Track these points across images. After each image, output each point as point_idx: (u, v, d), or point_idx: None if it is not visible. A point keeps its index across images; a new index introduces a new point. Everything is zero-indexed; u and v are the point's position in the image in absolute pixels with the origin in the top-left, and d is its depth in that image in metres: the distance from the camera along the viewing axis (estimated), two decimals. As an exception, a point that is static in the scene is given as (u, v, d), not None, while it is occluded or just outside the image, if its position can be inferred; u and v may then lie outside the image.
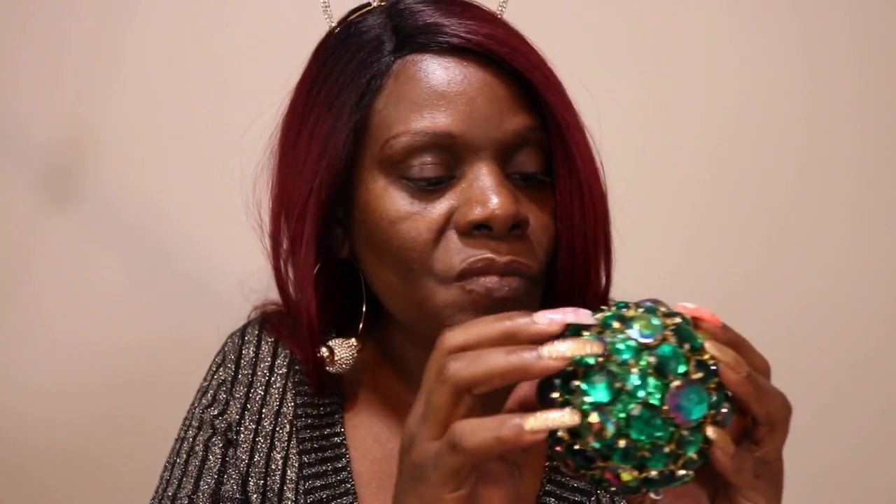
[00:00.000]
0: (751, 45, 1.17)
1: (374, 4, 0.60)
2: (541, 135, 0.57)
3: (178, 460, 0.66)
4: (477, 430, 0.39)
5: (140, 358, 1.08)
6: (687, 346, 0.40)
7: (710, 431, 0.40)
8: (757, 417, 0.42)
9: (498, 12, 0.61)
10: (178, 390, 1.04)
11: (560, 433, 0.40)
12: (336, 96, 0.58)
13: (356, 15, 0.61)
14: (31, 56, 1.04)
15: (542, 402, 0.41)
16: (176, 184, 1.08)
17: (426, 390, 0.42)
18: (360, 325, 0.64)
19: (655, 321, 0.40)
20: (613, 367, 0.39)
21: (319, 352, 0.62)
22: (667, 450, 0.39)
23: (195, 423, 0.67)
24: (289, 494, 0.63)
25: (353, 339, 0.63)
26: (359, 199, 0.58)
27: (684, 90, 1.16)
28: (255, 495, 0.64)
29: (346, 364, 0.63)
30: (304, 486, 0.63)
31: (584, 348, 0.39)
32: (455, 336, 0.42)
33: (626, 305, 0.42)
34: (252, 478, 0.64)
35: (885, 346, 1.23)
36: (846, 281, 1.21)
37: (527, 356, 0.39)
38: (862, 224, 1.21)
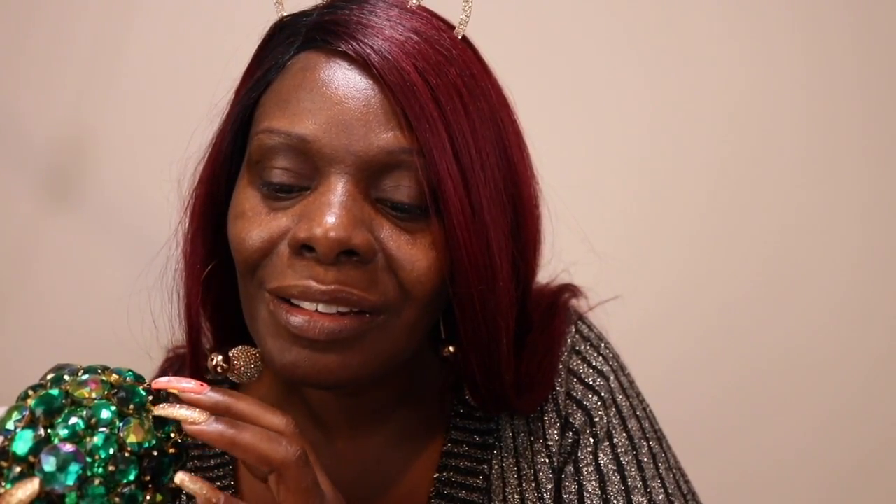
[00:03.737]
0: (755, 44, 1.16)
1: (321, 2, 0.56)
2: (422, 161, 0.50)
3: None
4: None
5: (140, 357, 1.08)
6: (45, 417, 0.43)
7: (159, 410, 0.44)
8: (251, 466, 0.45)
9: (457, 30, 0.55)
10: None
11: None
12: (241, 89, 0.57)
13: (302, 10, 0.57)
14: (31, 56, 1.05)
15: None
16: (176, 183, 1.08)
17: None
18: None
19: (13, 413, 0.44)
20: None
21: (212, 358, 0.56)
22: None
23: None
24: None
25: (259, 350, 0.55)
26: (233, 193, 0.55)
27: (688, 90, 1.15)
28: None
29: (250, 374, 0.56)
30: None
31: (24, 493, 0.41)
32: None
33: (27, 395, 0.45)
34: None
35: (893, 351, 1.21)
36: (854, 280, 1.20)
37: None
38: (869, 223, 1.20)
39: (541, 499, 0.60)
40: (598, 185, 1.04)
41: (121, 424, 0.43)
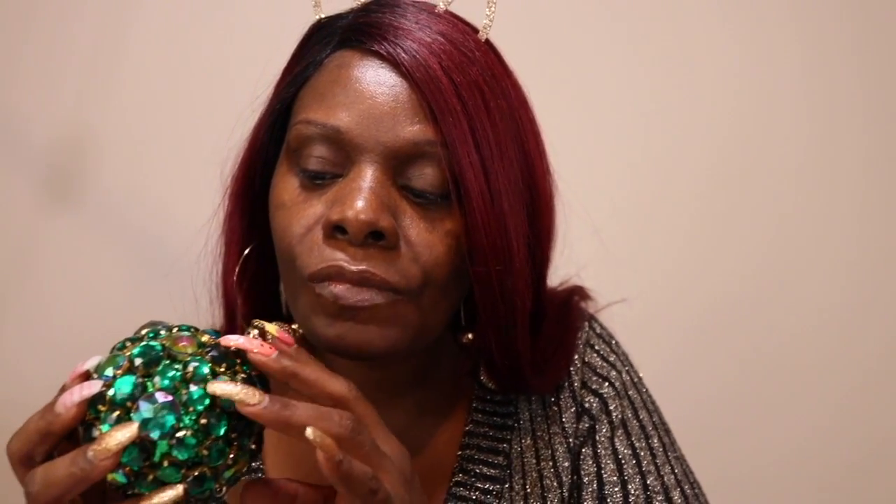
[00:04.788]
0: (752, 44, 1.18)
1: (356, 5, 0.60)
2: (445, 152, 0.54)
3: None
4: (47, 473, 0.42)
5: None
6: (143, 367, 0.44)
7: (212, 386, 0.44)
8: (305, 387, 0.46)
9: (481, 33, 0.59)
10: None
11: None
12: (281, 83, 0.60)
13: (338, 13, 0.61)
14: (31, 56, 1.04)
15: None
16: (176, 183, 1.08)
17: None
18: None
19: (114, 358, 0.45)
20: (95, 416, 0.44)
21: (248, 332, 0.59)
22: (166, 463, 0.43)
23: None
24: None
25: (296, 325, 0.58)
26: (272, 181, 0.59)
27: (686, 91, 1.17)
28: None
29: None
30: None
31: (123, 435, 0.42)
32: (12, 444, 0.44)
33: (124, 345, 0.47)
34: None
35: (890, 350, 1.23)
36: (850, 282, 1.21)
37: (84, 467, 0.41)
38: (866, 225, 1.21)
39: (558, 476, 0.65)
40: (603, 183, 1.06)
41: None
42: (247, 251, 0.63)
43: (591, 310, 0.71)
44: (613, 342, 0.70)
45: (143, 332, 0.47)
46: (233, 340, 0.46)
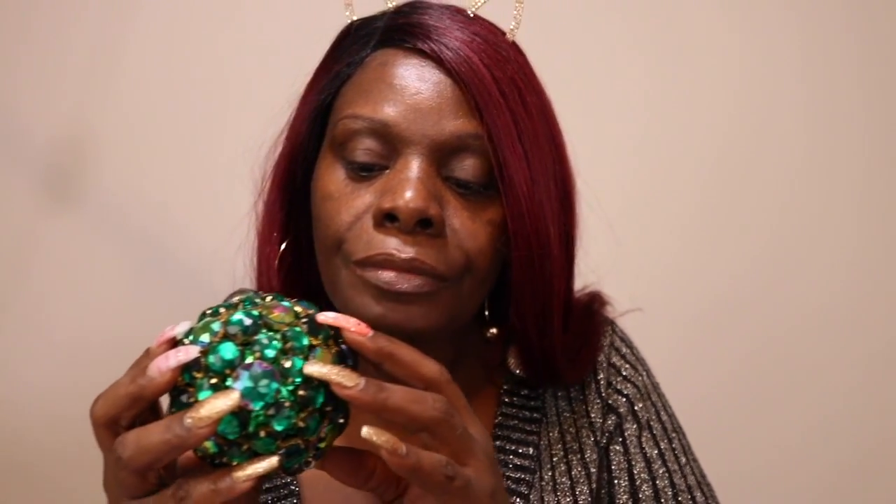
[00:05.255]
0: (752, 45, 1.18)
1: (389, 8, 0.63)
2: (486, 145, 0.57)
3: None
4: (199, 486, 0.42)
5: (139, 355, 1.08)
6: (242, 335, 0.43)
7: (310, 367, 0.43)
8: (399, 369, 0.46)
9: (509, 34, 0.63)
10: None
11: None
12: (320, 80, 0.63)
13: (371, 15, 0.65)
14: (31, 56, 1.04)
15: None
16: (176, 183, 1.08)
17: (113, 470, 0.43)
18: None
19: (207, 326, 0.44)
20: (189, 382, 0.43)
21: None
22: (262, 434, 0.42)
23: None
24: None
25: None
26: (313, 176, 0.61)
27: (686, 91, 1.17)
28: None
29: None
30: None
31: (223, 403, 0.41)
32: (98, 408, 0.44)
33: (217, 312, 0.46)
34: None
35: (888, 347, 1.23)
36: (848, 282, 1.21)
37: (181, 434, 0.41)
38: (863, 225, 1.21)
39: (586, 469, 0.68)
40: (606, 183, 1.06)
41: (311, 353, 0.44)
42: (285, 241, 0.65)
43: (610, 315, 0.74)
44: (634, 347, 0.74)
45: (236, 299, 0.46)
46: (330, 318, 0.46)
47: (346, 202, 0.57)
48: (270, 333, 0.43)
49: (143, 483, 0.43)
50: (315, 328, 0.45)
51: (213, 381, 0.42)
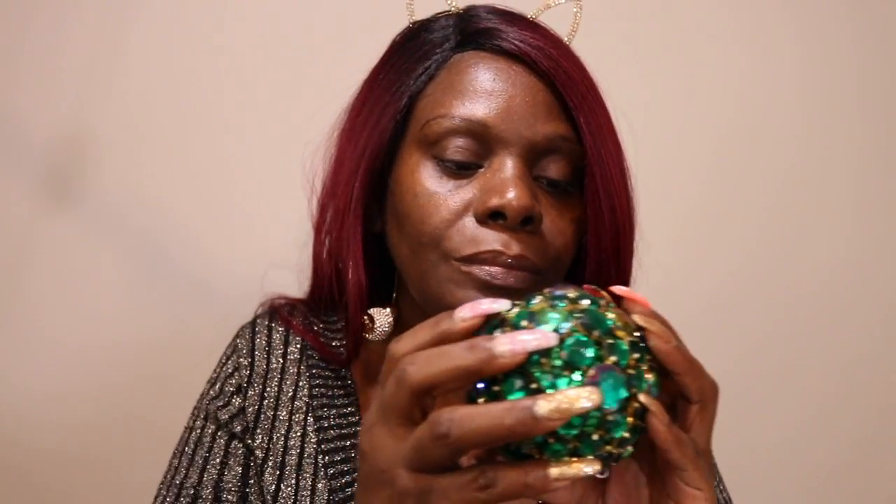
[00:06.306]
0: (752, 44, 1.18)
1: (451, 10, 0.65)
2: (573, 147, 0.60)
3: (185, 449, 0.68)
4: (508, 477, 0.38)
5: (139, 357, 1.08)
6: (597, 332, 0.41)
7: (644, 398, 0.41)
8: (687, 392, 0.43)
9: (567, 38, 0.66)
10: (178, 390, 1.04)
11: None
12: (397, 79, 0.64)
13: (437, 15, 0.66)
14: (31, 56, 1.04)
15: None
16: (176, 183, 1.08)
17: (384, 396, 0.41)
18: (395, 294, 0.68)
19: (561, 313, 0.41)
20: (529, 368, 0.40)
21: (362, 318, 0.66)
22: (595, 437, 0.40)
23: (202, 415, 0.69)
24: (307, 468, 0.65)
25: (388, 309, 0.67)
26: (395, 172, 0.63)
27: (685, 90, 1.17)
28: (270, 477, 0.65)
29: (383, 332, 0.67)
30: (323, 459, 0.66)
31: (585, 402, 0.38)
32: (415, 371, 0.40)
33: (534, 297, 0.43)
34: (270, 458, 0.66)
35: (883, 345, 1.23)
36: (844, 280, 1.21)
37: (525, 420, 0.37)
38: (860, 223, 1.22)
39: None
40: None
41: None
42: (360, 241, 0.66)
43: None
44: None
45: (572, 294, 0.43)
46: (625, 290, 0.44)
47: (444, 200, 0.59)
48: (619, 339, 0.41)
49: (449, 460, 0.40)
50: (590, 323, 0.42)
51: (569, 373, 0.39)
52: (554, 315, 0.41)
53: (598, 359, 0.40)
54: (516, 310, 0.42)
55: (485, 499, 0.39)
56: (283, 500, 0.65)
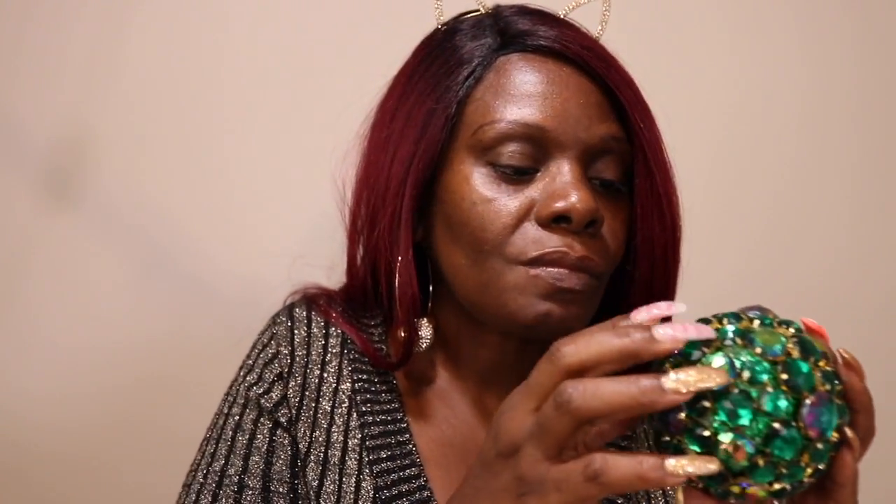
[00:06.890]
0: (752, 45, 1.17)
1: (482, 10, 0.64)
2: (624, 146, 0.60)
3: (223, 435, 0.65)
4: (620, 466, 0.38)
5: (139, 358, 1.08)
6: (812, 359, 0.40)
7: (849, 432, 0.40)
8: (861, 430, 0.42)
9: (597, 35, 0.65)
10: (178, 391, 1.04)
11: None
12: (437, 83, 0.62)
13: (464, 16, 0.65)
14: (31, 56, 1.04)
15: (661, 418, 0.40)
16: (176, 183, 1.08)
17: (532, 377, 0.41)
18: (430, 305, 0.67)
19: (775, 334, 0.40)
20: (746, 387, 0.39)
21: (417, 331, 0.65)
22: (802, 463, 0.39)
23: (240, 400, 0.66)
24: (351, 464, 0.63)
25: (425, 319, 0.66)
26: (444, 180, 0.61)
27: (685, 90, 1.17)
28: (312, 473, 0.63)
29: (425, 342, 0.65)
30: (368, 456, 0.64)
31: (709, 379, 0.38)
32: (572, 353, 0.40)
33: (737, 317, 0.42)
34: (312, 452, 0.64)
35: (884, 345, 1.23)
36: (844, 280, 1.21)
37: (649, 388, 0.37)
38: (861, 223, 1.21)
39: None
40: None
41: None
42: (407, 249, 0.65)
43: None
44: None
45: (776, 319, 0.43)
46: (811, 322, 0.43)
47: (504, 205, 0.58)
48: (827, 369, 0.40)
49: (571, 432, 0.39)
50: (804, 349, 0.41)
51: (791, 396, 0.39)
52: (771, 334, 0.40)
53: (815, 387, 0.39)
54: (683, 307, 0.42)
55: (597, 492, 0.38)
56: (325, 497, 0.62)
